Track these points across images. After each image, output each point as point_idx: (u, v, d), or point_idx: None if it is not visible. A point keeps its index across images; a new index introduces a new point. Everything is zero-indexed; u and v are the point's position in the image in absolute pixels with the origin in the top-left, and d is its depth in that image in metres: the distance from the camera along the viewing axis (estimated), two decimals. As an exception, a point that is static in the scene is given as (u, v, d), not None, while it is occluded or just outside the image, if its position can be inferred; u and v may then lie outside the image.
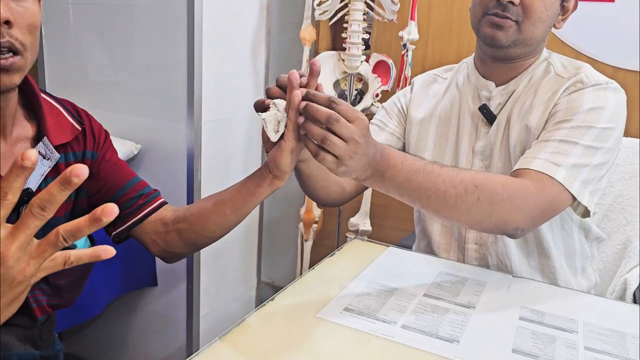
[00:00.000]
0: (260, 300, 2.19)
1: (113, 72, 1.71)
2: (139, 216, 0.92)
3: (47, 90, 1.85)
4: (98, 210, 0.44)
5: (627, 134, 1.07)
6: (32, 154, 0.43)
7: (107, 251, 0.48)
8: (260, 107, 0.75)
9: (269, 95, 0.76)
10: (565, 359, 0.71)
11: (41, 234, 0.46)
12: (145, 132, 1.69)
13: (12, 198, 0.44)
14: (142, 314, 1.88)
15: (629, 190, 1.30)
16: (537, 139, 0.98)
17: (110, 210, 0.44)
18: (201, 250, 1.59)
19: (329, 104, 0.70)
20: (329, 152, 0.70)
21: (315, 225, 2.05)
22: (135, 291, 1.82)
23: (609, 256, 1.30)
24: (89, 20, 1.72)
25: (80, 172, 0.43)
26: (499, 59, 1.04)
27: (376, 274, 0.94)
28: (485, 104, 1.07)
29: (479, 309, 0.84)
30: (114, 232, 0.93)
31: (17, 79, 0.71)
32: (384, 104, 1.24)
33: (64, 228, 0.45)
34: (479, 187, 0.82)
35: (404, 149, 1.19)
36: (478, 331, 0.77)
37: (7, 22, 0.67)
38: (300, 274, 1.62)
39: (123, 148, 1.63)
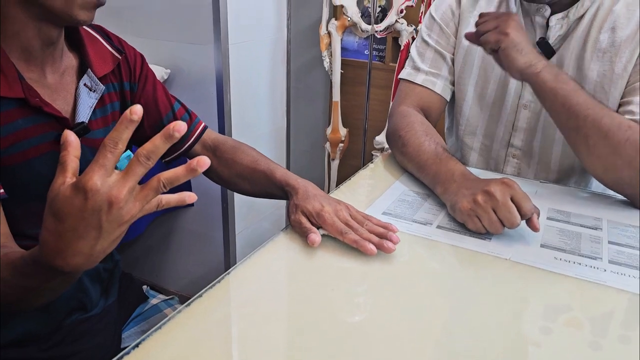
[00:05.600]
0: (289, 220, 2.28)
1: (138, -3, 1.72)
2: (186, 146, 0.98)
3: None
4: (194, 161, 0.50)
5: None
6: (139, 108, 0.49)
7: (191, 196, 0.54)
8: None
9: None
10: (590, 252, 0.77)
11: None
12: (174, 56, 1.72)
13: (122, 147, 0.49)
14: (181, 233, 1.98)
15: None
16: (630, 82, 0.94)
17: (204, 162, 0.50)
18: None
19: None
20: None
21: (341, 145, 2.10)
22: (173, 212, 1.92)
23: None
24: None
25: (180, 128, 0.49)
26: None
27: (409, 183, 1.00)
28: (544, 38, 0.98)
29: (508, 211, 0.89)
30: (164, 161, 1.00)
31: None
32: (433, 13, 1.13)
33: (164, 176, 0.51)
34: (632, 129, 0.85)
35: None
36: (508, 230, 0.83)
37: None
38: (328, 192, 1.69)
39: (153, 73, 1.67)
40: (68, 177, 0.50)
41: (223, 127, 1.72)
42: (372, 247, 0.73)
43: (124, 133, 0.49)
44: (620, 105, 0.96)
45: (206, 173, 1.03)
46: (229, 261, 1.90)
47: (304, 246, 0.77)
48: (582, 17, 0.97)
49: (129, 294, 1.00)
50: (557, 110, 0.89)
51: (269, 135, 2.04)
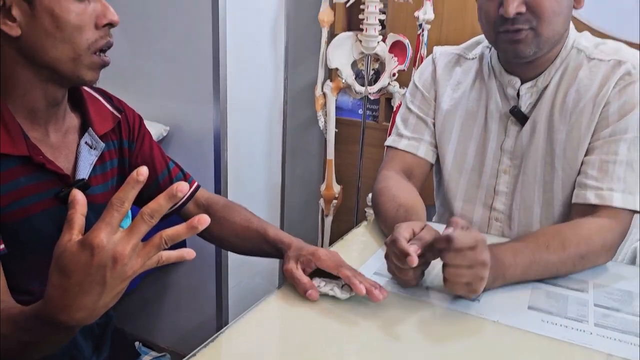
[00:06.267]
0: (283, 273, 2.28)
1: (142, 58, 1.78)
2: (179, 204, 1.00)
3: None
4: (195, 219, 0.53)
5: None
6: (145, 170, 0.52)
7: (190, 253, 0.57)
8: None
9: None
10: (576, 314, 0.79)
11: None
12: (174, 115, 1.76)
13: (128, 206, 0.52)
14: (173, 287, 1.97)
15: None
16: (591, 141, 0.98)
17: (204, 220, 0.53)
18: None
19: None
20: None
21: (335, 201, 2.13)
22: (166, 266, 1.92)
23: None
24: (113, 6, 1.78)
25: (183, 188, 0.52)
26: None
27: (400, 242, 1.02)
28: (516, 107, 1.04)
29: (497, 272, 0.91)
30: None
31: None
32: (416, 82, 1.19)
33: (166, 233, 0.54)
34: (585, 258, 0.91)
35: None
36: (496, 291, 0.84)
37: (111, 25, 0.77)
38: (322, 247, 1.71)
39: (153, 130, 1.70)
40: (74, 234, 0.52)
41: (219, 184, 1.75)
42: (362, 287, 0.76)
43: (130, 193, 0.52)
44: (581, 164, 1.00)
45: (199, 232, 1.05)
46: (221, 316, 1.89)
47: (297, 306, 0.79)
48: (549, 83, 1.03)
49: (121, 351, 1.00)
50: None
51: (264, 191, 2.07)
